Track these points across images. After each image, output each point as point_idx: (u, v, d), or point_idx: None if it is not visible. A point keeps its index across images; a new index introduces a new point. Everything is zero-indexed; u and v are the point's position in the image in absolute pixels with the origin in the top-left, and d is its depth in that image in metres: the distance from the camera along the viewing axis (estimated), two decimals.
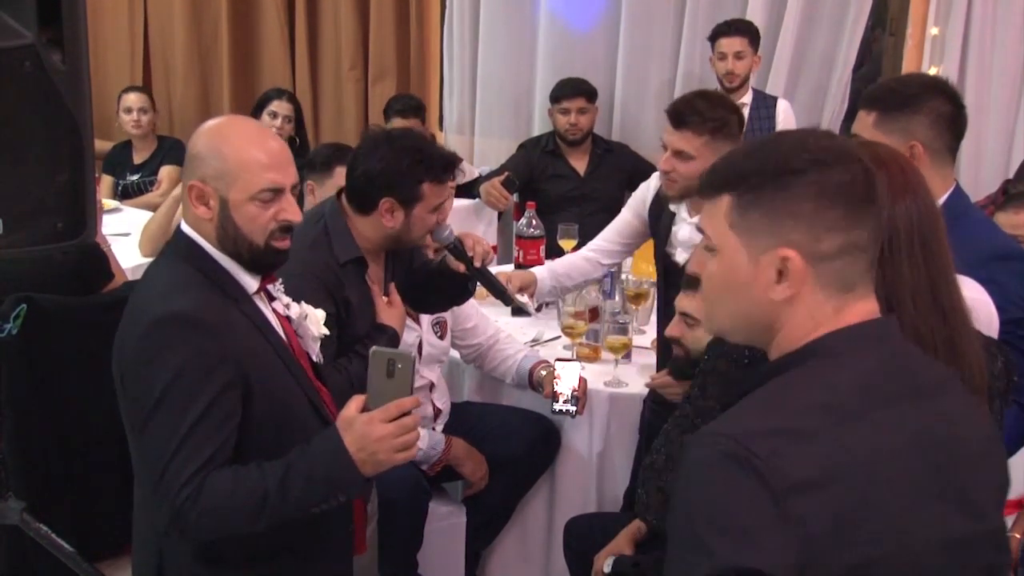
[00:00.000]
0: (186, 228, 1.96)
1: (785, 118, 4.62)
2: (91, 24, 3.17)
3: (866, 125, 2.15)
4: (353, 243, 2.54)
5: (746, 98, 4.60)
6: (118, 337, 1.90)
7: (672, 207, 2.98)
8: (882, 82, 2.35)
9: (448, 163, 2.55)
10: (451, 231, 2.62)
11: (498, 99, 5.37)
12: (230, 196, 1.90)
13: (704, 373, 2.00)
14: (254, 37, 5.78)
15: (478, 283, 2.77)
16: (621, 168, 4.84)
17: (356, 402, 1.86)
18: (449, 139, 5.42)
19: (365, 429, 1.82)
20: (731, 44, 4.53)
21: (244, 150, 1.90)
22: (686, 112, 2.80)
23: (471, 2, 5.28)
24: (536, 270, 3.08)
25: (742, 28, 4.55)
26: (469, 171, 4.91)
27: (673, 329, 2.51)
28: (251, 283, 1.97)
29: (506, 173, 4.68)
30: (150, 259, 3.07)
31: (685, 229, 2.96)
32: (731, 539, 1.11)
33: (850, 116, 4.85)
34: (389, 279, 2.68)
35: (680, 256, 2.98)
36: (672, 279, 2.99)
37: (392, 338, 2.59)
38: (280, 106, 4.86)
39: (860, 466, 1.15)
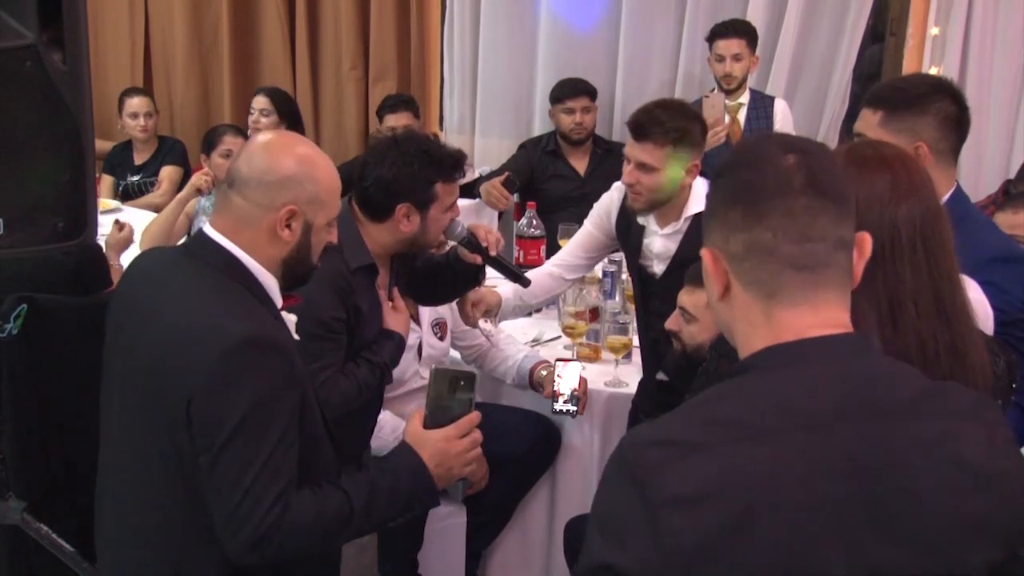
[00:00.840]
0: (218, 237, 1.87)
1: (783, 118, 4.59)
2: (91, 24, 3.18)
3: (871, 124, 2.14)
4: (364, 250, 2.53)
5: (743, 98, 4.58)
6: (173, 356, 1.77)
7: (640, 220, 2.94)
8: (888, 81, 2.35)
9: (456, 161, 2.57)
10: (463, 226, 2.63)
11: (499, 99, 5.37)
12: (316, 221, 1.90)
13: (707, 374, 2.00)
14: (254, 37, 5.77)
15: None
16: (621, 168, 4.83)
17: (418, 418, 1.92)
18: (450, 139, 5.41)
19: (443, 446, 1.90)
20: (728, 46, 4.48)
21: (330, 176, 1.92)
22: (648, 124, 2.77)
23: (471, 2, 5.28)
24: (500, 289, 3.05)
25: (740, 29, 4.51)
26: (469, 171, 4.91)
27: (671, 322, 2.54)
28: (279, 300, 1.94)
29: (507, 173, 4.68)
30: None
31: (658, 241, 2.93)
32: (604, 537, 1.17)
33: (850, 117, 4.85)
34: (393, 283, 2.68)
35: (657, 267, 2.95)
36: (651, 289, 2.98)
37: (398, 344, 2.60)
38: (256, 100, 4.90)
39: (753, 484, 1.12)
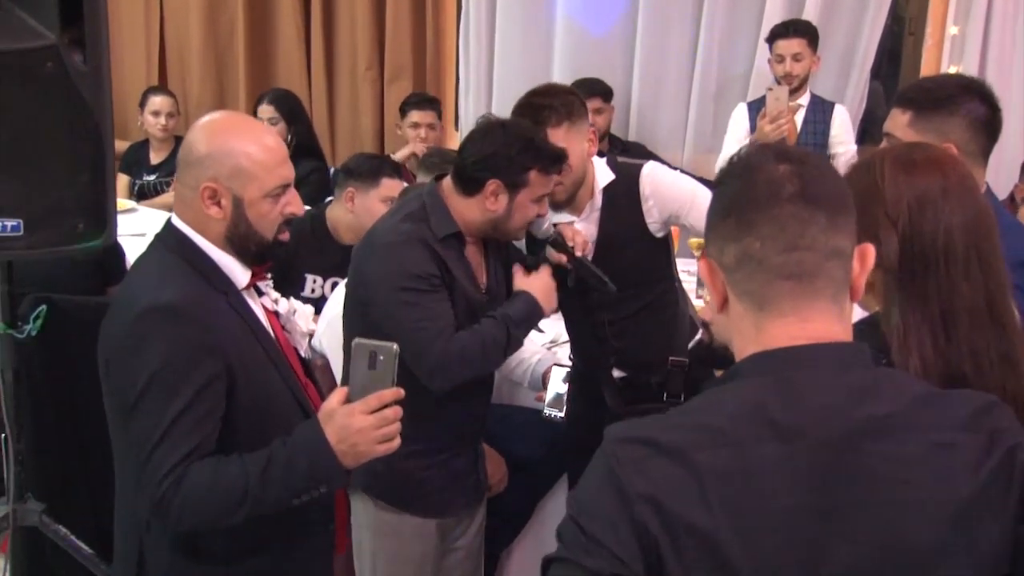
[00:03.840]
0: (177, 222, 1.95)
1: (841, 123, 4.51)
2: None
3: (900, 124, 2.13)
4: (451, 220, 2.53)
5: (804, 99, 4.49)
6: (104, 325, 1.92)
7: (553, 218, 2.81)
8: (918, 81, 2.33)
9: (558, 156, 2.57)
10: (550, 224, 2.63)
11: (514, 99, 5.28)
12: (245, 195, 1.91)
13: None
14: (270, 37, 5.78)
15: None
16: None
17: (339, 395, 1.85)
18: None
19: (346, 421, 1.82)
20: (789, 46, 4.41)
21: (256, 149, 1.92)
22: (540, 111, 2.72)
23: (487, 2, 5.27)
24: None
25: (800, 29, 4.43)
26: None
27: (706, 312, 2.52)
28: (242, 278, 1.98)
29: None
30: None
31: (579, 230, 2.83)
32: (579, 525, 1.16)
33: (868, 118, 4.82)
34: (492, 270, 2.66)
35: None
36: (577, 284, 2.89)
37: (527, 300, 2.56)
38: (262, 110, 4.91)
39: (717, 492, 1.13)
